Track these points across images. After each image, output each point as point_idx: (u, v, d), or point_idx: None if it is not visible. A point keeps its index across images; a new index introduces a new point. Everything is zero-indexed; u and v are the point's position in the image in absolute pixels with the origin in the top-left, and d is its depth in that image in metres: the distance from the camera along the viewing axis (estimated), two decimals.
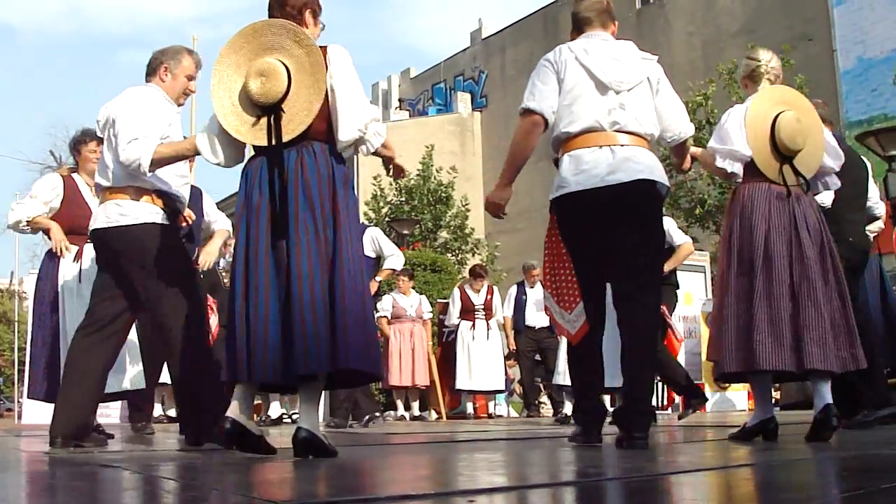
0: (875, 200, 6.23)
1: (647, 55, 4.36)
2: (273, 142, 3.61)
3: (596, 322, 4.27)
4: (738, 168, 4.55)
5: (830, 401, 4.24)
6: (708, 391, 12.26)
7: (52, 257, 5.85)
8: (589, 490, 2.53)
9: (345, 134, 3.65)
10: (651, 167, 4.11)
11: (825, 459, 3.53)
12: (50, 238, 5.89)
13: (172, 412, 9.33)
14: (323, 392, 4.09)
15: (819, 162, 4.64)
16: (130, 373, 5.84)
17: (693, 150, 4.71)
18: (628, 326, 4.09)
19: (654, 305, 4.20)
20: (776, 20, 26.56)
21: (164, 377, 8.92)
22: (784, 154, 4.52)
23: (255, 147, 3.75)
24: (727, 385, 11.70)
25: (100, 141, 6.07)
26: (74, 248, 5.83)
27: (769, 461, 3.50)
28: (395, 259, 8.50)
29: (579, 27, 4.39)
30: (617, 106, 4.13)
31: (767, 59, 4.77)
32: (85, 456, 4.06)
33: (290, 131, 3.63)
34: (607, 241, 4.15)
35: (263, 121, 3.65)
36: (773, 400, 13.48)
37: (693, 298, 12.33)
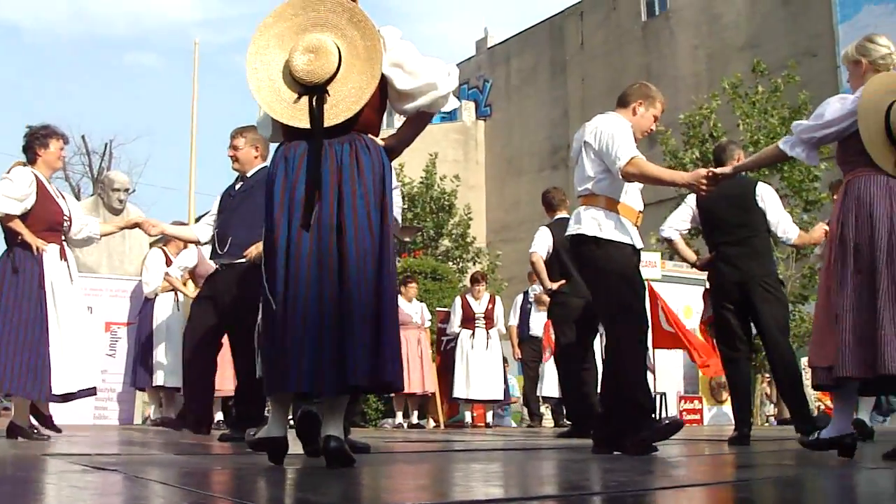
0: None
1: (600, 121, 4.84)
2: (315, 126, 3.35)
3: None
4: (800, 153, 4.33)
5: None
6: (705, 405, 12.26)
7: (26, 251, 5.64)
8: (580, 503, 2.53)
9: (439, 86, 3.50)
10: (581, 224, 4.72)
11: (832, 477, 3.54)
12: (15, 240, 5.67)
13: (219, 415, 9.10)
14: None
15: None
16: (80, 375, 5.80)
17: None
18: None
19: (615, 339, 4.76)
20: (781, 35, 26.57)
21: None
22: None
23: (290, 130, 3.47)
24: (724, 399, 11.68)
25: (66, 141, 5.95)
26: (56, 247, 5.76)
27: (765, 477, 3.51)
28: None
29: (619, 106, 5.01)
30: (575, 176, 4.87)
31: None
32: (91, 459, 4.06)
33: (332, 116, 3.36)
34: None
35: (304, 101, 3.37)
36: (778, 415, 13.46)
37: (693, 311, 12.34)
